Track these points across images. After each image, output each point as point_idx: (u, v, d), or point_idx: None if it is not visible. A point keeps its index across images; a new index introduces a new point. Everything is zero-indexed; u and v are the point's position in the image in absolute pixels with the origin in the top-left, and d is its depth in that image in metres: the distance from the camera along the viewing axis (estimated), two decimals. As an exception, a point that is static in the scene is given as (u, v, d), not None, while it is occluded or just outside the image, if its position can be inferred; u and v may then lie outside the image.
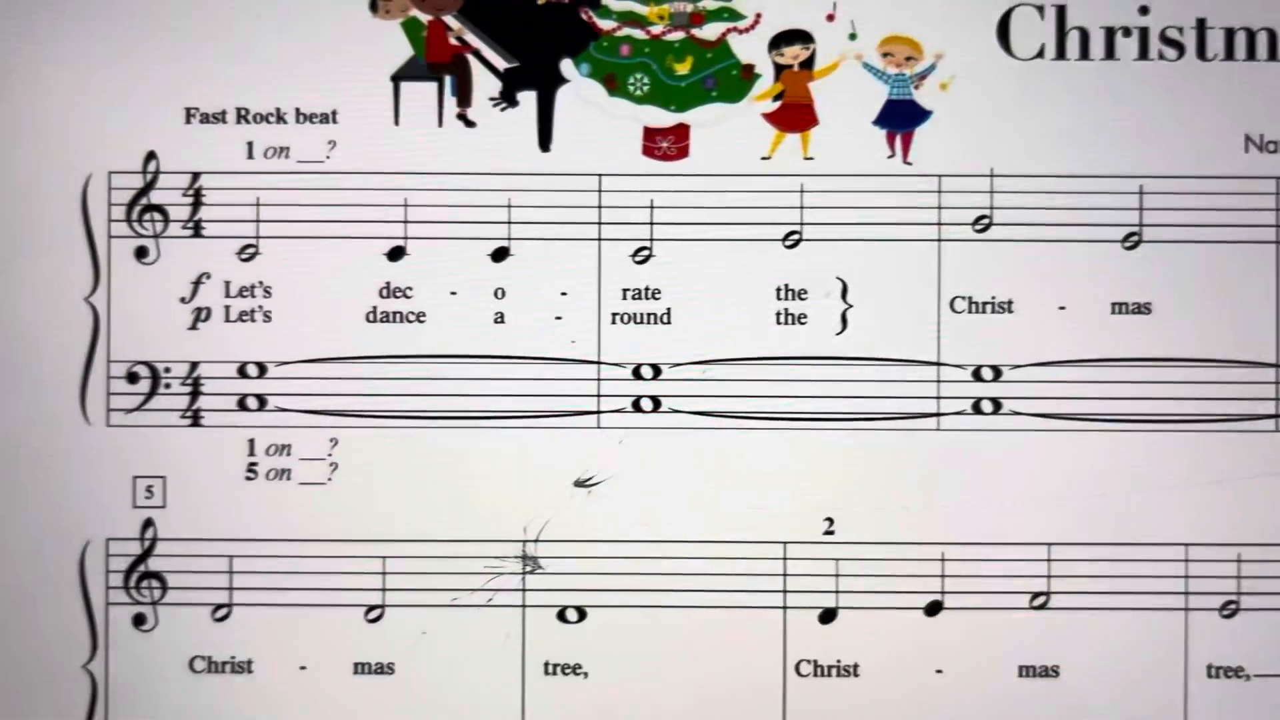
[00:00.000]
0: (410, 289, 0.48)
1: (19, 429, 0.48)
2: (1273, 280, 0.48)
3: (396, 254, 0.48)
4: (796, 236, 0.48)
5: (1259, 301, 0.48)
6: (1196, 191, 0.48)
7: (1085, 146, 0.48)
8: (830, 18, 0.47)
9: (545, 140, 0.47)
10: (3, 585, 0.48)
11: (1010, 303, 0.48)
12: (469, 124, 0.48)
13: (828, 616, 0.48)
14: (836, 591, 0.48)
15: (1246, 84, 0.48)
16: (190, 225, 0.48)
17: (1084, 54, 0.48)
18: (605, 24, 0.48)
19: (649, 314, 0.48)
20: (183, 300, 0.48)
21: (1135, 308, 0.48)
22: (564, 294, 0.48)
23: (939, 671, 0.48)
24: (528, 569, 0.48)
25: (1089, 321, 0.48)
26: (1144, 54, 0.48)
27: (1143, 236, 0.48)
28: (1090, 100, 0.48)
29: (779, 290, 0.48)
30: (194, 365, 0.48)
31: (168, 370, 0.48)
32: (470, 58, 0.48)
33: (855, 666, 0.48)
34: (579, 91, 0.48)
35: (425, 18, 0.47)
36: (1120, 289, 0.48)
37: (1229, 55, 0.48)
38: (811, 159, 0.48)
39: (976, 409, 0.48)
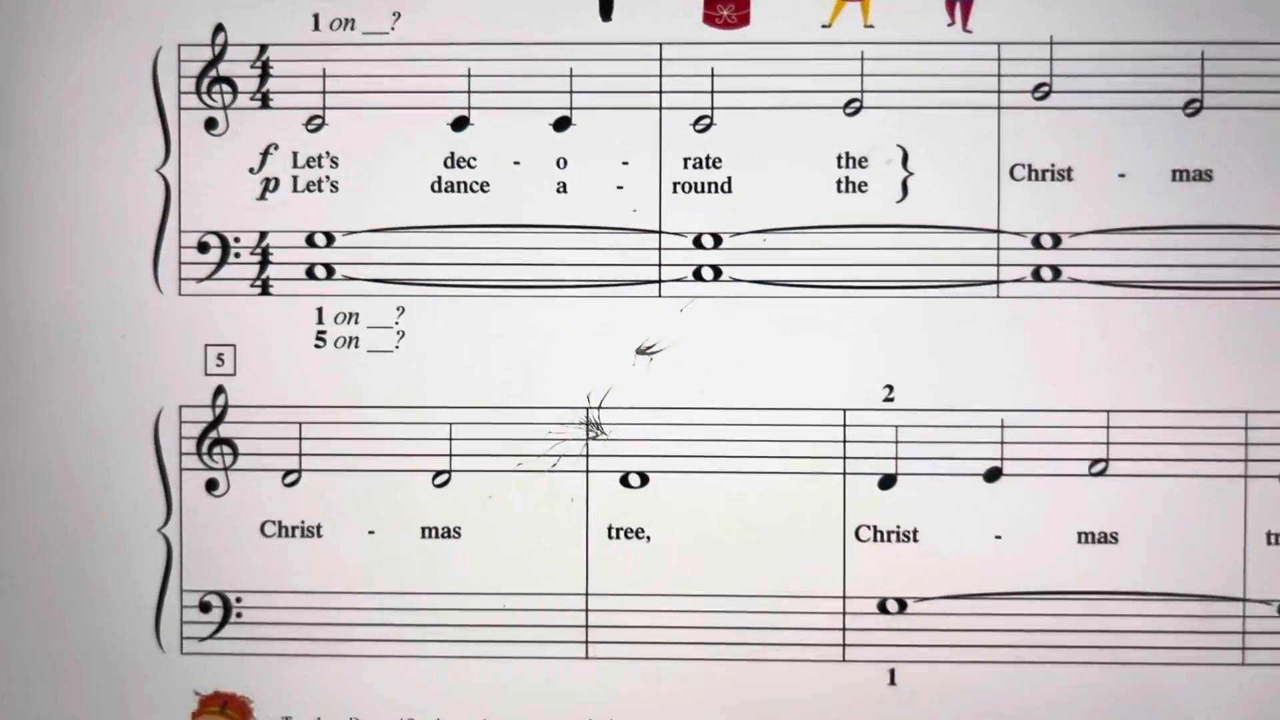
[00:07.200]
0: (474, 159, 0.49)
1: (94, 299, 0.49)
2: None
3: (460, 124, 0.49)
4: (857, 104, 0.49)
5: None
6: (1260, 58, 0.48)
7: (1147, 12, 0.48)
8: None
9: (607, 9, 0.49)
10: (81, 452, 0.50)
11: (1070, 170, 0.48)
12: (532, -6, 0.49)
13: (887, 482, 0.49)
14: (896, 458, 0.49)
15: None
16: (258, 97, 0.49)
17: (1145, -83, 0.48)
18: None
19: (710, 183, 0.49)
20: (251, 171, 0.49)
21: (1196, 175, 0.48)
22: (625, 163, 0.49)
23: (998, 537, 0.49)
24: (591, 435, 0.49)
25: (1149, 189, 0.48)
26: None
27: (1204, 104, 0.48)
28: (1152, -36, 0.48)
29: (839, 158, 0.49)
30: (263, 235, 0.49)
31: (237, 240, 0.49)
32: (531, -74, 0.49)
33: (915, 532, 0.49)
34: (640, -40, 0.49)
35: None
36: (1181, 156, 0.48)
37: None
38: (872, 27, 0.49)
39: (1036, 276, 0.48)
